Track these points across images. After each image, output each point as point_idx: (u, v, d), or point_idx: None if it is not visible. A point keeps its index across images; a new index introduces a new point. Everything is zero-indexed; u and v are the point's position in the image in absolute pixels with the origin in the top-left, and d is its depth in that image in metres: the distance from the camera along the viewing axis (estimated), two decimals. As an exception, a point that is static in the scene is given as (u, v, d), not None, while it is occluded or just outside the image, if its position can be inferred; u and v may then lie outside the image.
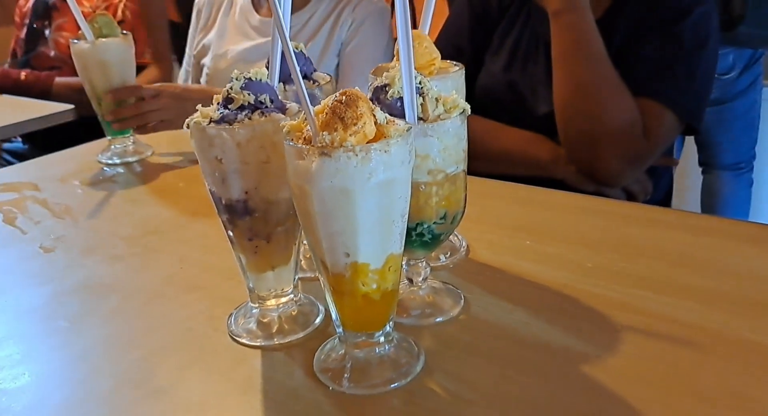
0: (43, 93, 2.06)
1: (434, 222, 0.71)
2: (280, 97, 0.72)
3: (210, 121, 0.66)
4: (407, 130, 0.59)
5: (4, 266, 0.96)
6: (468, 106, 0.69)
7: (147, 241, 1.00)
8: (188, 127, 0.67)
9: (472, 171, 1.48)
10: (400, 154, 0.58)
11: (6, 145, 2.25)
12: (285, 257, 0.72)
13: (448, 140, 0.67)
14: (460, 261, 0.87)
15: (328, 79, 0.82)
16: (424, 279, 0.77)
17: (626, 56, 1.28)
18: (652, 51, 1.26)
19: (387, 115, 0.61)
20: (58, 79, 2.09)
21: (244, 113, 0.66)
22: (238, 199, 0.68)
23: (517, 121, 1.38)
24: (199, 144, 0.67)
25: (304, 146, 0.57)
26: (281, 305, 0.75)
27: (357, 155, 0.56)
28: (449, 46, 1.46)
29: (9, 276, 0.93)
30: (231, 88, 0.66)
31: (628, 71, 1.24)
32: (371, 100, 0.69)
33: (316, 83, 0.81)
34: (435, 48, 0.82)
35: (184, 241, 0.99)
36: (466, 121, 0.69)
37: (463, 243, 0.90)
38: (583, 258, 0.85)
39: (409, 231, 0.70)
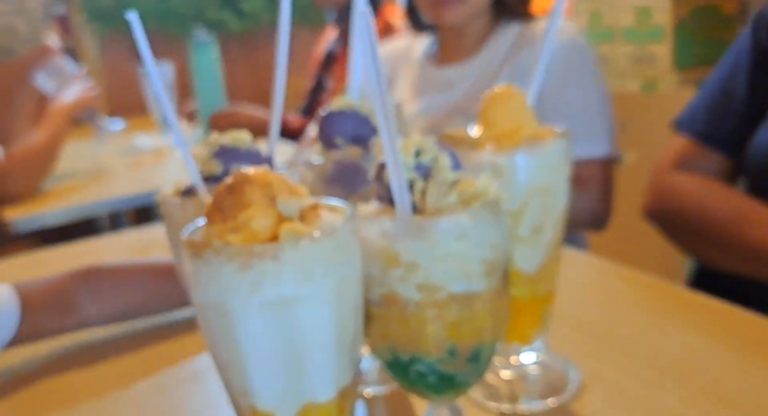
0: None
1: (437, 359, 0.49)
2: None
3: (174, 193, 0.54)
4: (332, 228, 0.40)
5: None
6: (501, 197, 0.47)
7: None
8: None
9: (708, 264, 1.11)
10: (303, 263, 0.39)
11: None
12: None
13: (448, 245, 0.45)
14: (558, 409, 0.61)
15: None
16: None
17: None
18: None
19: (333, 201, 0.44)
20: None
21: (209, 187, 0.53)
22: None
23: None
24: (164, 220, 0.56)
25: (183, 240, 0.42)
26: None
27: (232, 261, 0.39)
28: (718, 90, 1.11)
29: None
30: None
31: None
32: (375, 179, 0.50)
33: (368, 150, 0.63)
34: (528, 110, 0.59)
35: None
36: (498, 217, 0.47)
37: (574, 379, 0.64)
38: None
39: (405, 367, 0.50)
